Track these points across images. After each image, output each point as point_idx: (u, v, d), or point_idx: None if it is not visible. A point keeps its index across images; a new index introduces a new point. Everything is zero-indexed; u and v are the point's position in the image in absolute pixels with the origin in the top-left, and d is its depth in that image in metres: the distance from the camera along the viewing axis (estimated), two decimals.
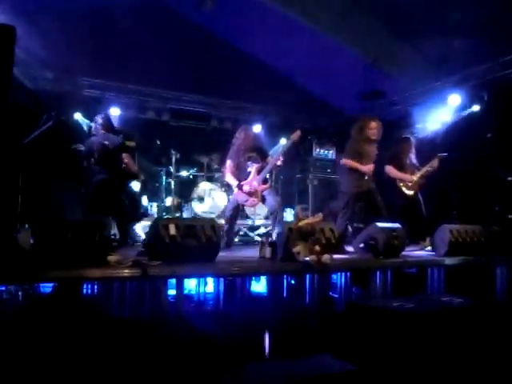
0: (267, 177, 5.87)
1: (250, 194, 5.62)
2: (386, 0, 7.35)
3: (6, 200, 3.42)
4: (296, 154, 9.86)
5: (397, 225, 4.83)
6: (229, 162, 5.88)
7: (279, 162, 5.68)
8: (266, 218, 8.34)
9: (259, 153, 5.86)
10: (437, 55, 7.83)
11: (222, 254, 4.10)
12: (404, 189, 6.22)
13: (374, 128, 5.73)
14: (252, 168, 5.70)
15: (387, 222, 4.99)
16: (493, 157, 7.06)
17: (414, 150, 6.39)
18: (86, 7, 7.09)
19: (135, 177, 6.45)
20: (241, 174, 5.76)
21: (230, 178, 5.86)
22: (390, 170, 6.26)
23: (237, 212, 5.94)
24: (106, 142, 5.70)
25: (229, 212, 5.88)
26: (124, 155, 5.85)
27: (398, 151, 6.42)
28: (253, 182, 5.63)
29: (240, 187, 5.66)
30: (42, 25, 6.51)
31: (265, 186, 5.71)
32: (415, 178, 6.18)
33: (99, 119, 5.99)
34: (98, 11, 7.19)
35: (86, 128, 8.53)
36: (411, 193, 6.18)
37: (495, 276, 4.99)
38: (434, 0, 6.86)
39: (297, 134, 5.60)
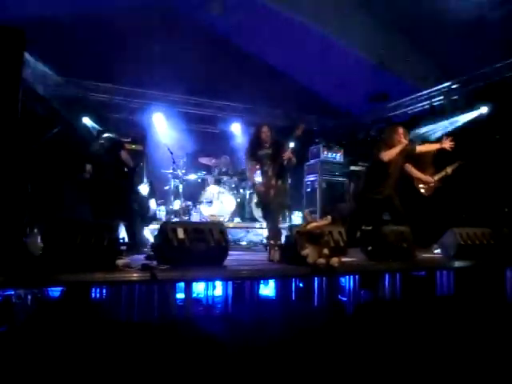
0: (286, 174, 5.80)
1: (262, 192, 5.58)
2: (392, 2, 7.36)
3: (15, 205, 3.44)
4: (304, 157, 9.87)
5: (405, 227, 4.80)
6: (248, 160, 5.86)
7: (286, 156, 5.50)
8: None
9: (275, 148, 5.66)
10: (444, 56, 7.82)
11: (230, 258, 4.10)
12: (421, 189, 6.22)
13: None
14: (267, 166, 5.57)
15: (396, 224, 4.97)
16: (502, 158, 7.01)
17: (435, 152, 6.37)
18: (92, 12, 7.15)
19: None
20: (260, 171, 5.72)
21: (250, 176, 5.96)
22: (410, 168, 6.24)
23: (267, 210, 5.74)
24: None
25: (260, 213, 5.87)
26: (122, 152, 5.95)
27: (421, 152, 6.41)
28: (267, 180, 5.53)
29: (254, 185, 5.80)
30: (52, 30, 6.57)
31: (278, 184, 5.53)
32: (435, 179, 6.17)
33: None
34: (105, 16, 7.25)
35: (94, 132, 8.59)
36: (428, 194, 6.19)
37: (505, 278, 4.94)
38: (441, 2, 6.84)
39: (300, 129, 5.62)
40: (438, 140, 6.78)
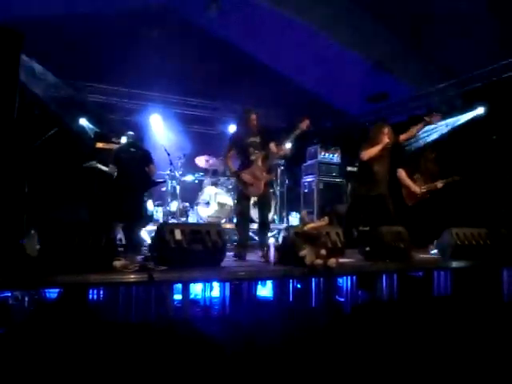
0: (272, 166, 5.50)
1: (251, 183, 5.21)
2: (389, 1, 7.37)
3: (12, 206, 3.44)
4: (301, 158, 9.88)
5: (402, 228, 4.82)
6: (230, 147, 5.45)
7: (285, 151, 5.39)
8: (272, 221, 8.33)
9: (262, 138, 5.37)
10: (442, 56, 7.83)
11: (227, 259, 4.10)
12: (405, 197, 6.25)
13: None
14: (255, 156, 5.27)
15: (394, 225, 4.98)
16: (499, 158, 7.03)
17: (433, 160, 6.39)
18: (90, 14, 7.14)
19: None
20: (243, 160, 5.34)
21: (229, 164, 5.49)
22: (402, 173, 6.27)
23: (247, 205, 5.46)
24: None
25: (237, 206, 5.44)
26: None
27: (418, 159, 6.43)
28: (255, 170, 5.23)
29: (238, 175, 5.28)
30: (50, 31, 6.56)
31: (269, 176, 5.33)
32: (421, 190, 6.19)
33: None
34: (102, 17, 7.24)
35: (91, 133, 8.60)
36: (411, 203, 6.22)
37: (502, 278, 4.96)
38: (437, 2, 6.86)
39: (305, 123, 5.27)
40: (434, 144, 6.86)
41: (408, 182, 6.24)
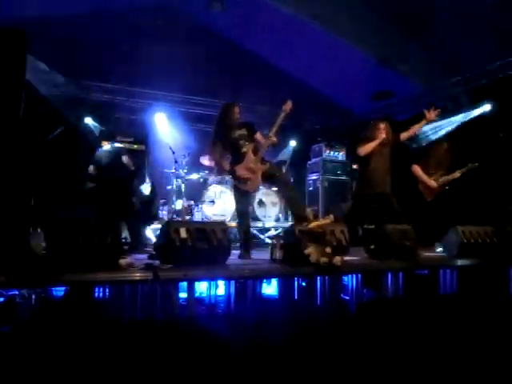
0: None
1: (248, 177, 4.96)
2: None
3: (18, 204, 3.45)
4: (306, 156, 9.88)
5: (408, 226, 4.80)
6: (216, 144, 5.12)
7: (275, 138, 5.04)
8: (277, 219, 8.33)
9: (248, 130, 5.16)
10: (447, 53, 7.80)
11: (232, 257, 4.10)
12: (423, 192, 6.24)
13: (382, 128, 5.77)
14: (246, 147, 5.04)
15: (399, 224, 4.96)
16: (505, 156, 7.00)
17: (447, 152, 6.39)
18: (93, 12, 7.16)
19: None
20: (235, 155, 5.10)
21: (223, 163, 5.16)
22: (416, 169, 6.27)
23: (247, 203, 5.30)
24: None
25: (237, 205, 5.19)
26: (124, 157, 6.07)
27: (431, 153, 6.43)
28: (250, 163, 4.97)
29: (233, 171, 5.03)
30: (54, 30, 6.58)
31: (264, 167, 5.00)
32: (437, 184, 6.18)
33: None
34: (106, 16, 7.26)
35: (96, 132, 8.62)
36: (429, 198, 6.21)
37: (509, 276, 4.94)
38: None
39: (288, 105, 5.07)
40: (438, 141, 6.86)
41: (424, 177, 6.25)
